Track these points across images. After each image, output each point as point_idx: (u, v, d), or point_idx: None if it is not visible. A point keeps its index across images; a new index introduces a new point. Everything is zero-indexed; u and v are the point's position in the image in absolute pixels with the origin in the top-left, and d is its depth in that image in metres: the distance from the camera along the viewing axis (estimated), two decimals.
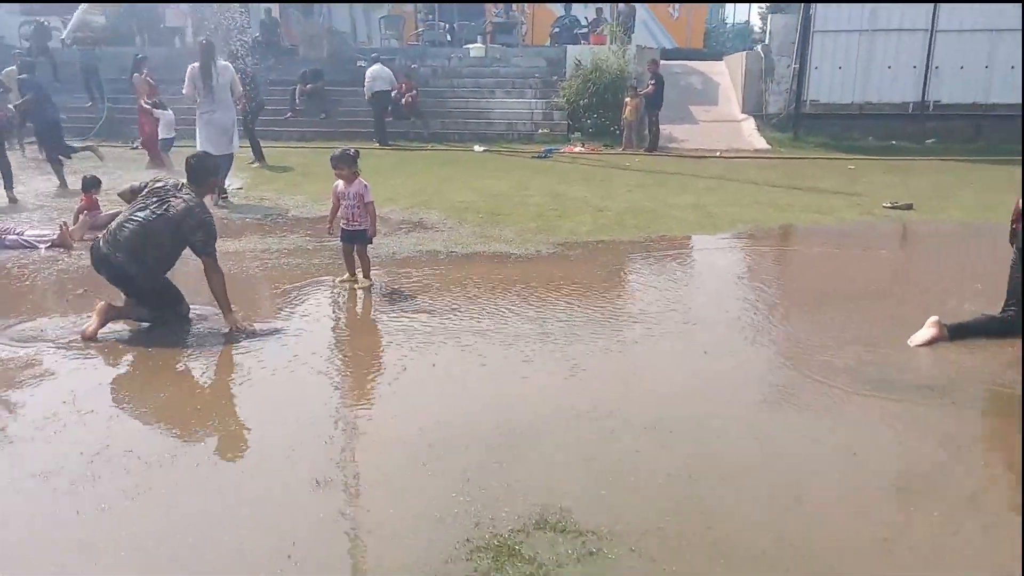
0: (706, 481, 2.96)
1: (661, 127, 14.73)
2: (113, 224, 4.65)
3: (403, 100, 15.70)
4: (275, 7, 21.03)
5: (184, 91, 8.75)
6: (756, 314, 5.09)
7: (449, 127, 15.88)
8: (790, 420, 3.58)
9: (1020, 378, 3.88)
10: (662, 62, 15.78)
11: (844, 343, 4.44)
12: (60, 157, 10.22)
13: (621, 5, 18.44)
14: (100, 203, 7.60)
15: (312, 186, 9.94)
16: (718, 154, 14.15)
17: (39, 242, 6.77)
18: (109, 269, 4.54)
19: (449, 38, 20.71)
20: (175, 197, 4.53)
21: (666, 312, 5.13)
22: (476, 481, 2.90)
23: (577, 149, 14.43)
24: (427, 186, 10.22)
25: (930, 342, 4.44)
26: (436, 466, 3.02)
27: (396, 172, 11.31)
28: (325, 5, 20.58)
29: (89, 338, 4.34)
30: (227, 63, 9.26)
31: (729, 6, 33.05)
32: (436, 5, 21.69)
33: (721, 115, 16.65)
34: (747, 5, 29.46)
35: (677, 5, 25.31)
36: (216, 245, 4.58)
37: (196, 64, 8.61)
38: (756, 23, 28.66)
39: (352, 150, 5.48)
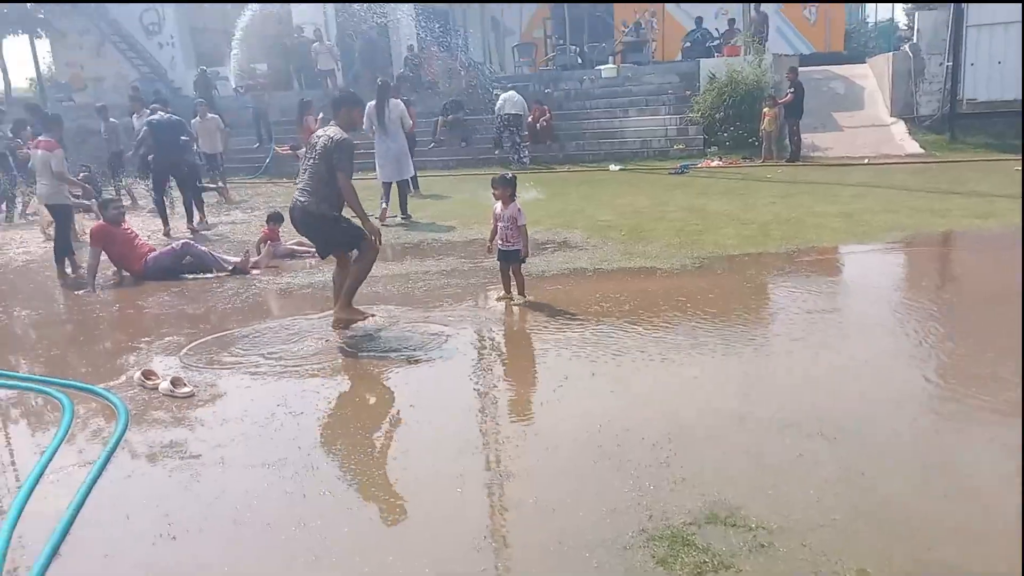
0: (876, 480, 3.02)
1: (803, 136, 14.37)
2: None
3: (538, 124, 16.20)
4: (415, 43, 22.34)
5: (364, 126, 9.46)
6: (919, 322, 5.00)
7: (584, 148, 16.21)
8: (959, 426, 3.54)
9: None
10: (801, 68, 15.39)
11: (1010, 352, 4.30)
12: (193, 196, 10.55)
13: (753, 13, 18.16)
14: (280, 234, 8.46)
15: (460, 212, 10.52)
16: (866, 161, 13.62)
17: (225, 263, 7.66)
18: (297, 215, 5.27)
19: (580, 61, 21.11)
20: (321, 137, 5.22)
21: (823, 321, 5.13)
22: (646, 478, 3.12)
23: (714, 163, 14.33)
24: (567, 206, 10.54)
25: None
26: (607, 463, 3.26)
27: (537, 194, 11.72)
28: (461, 38, 21.51)
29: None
30: (397, 100, 10.26)
31: (871, 5, 31.58)
32: (566, 29, 22.18)
33: (867, 120, 15.97)
34: (889, 4, 28.02)
35: (813, 8, 24.46)
36: (351, 163, 5.12)
37: (372, 102, 9.65)
38: (901, 21, 27.18)
39: (510, 174, 5.89)
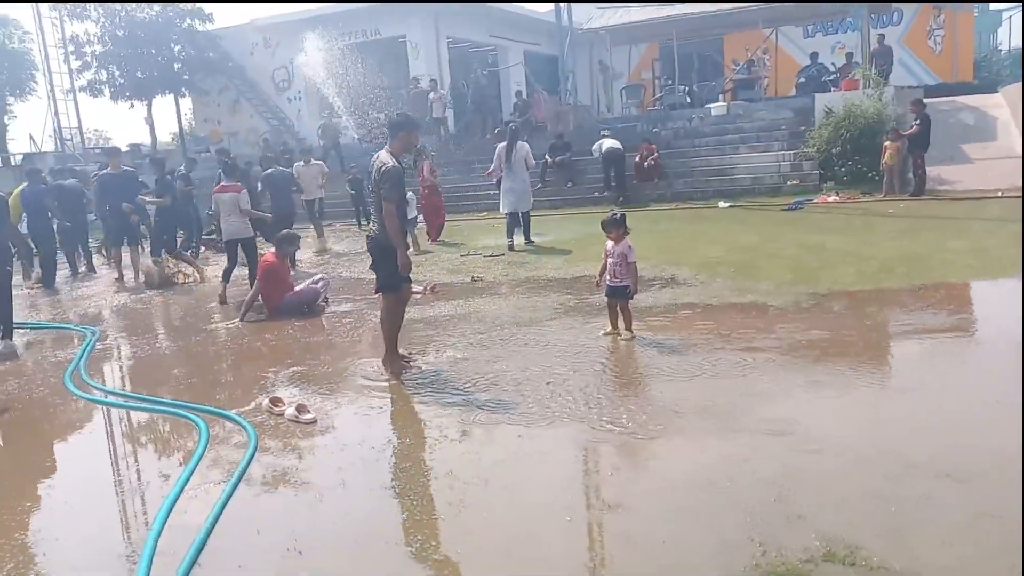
0: (1012, 526, 2.83)
1: (928, 169, 13.68)
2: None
3: (645, 163, 16.21)
4: (524, 89, 22.95)
5: (491, 168, 11.81)
6: None
7: (693, 185, 16.05)
8: None
9: None
10: (926, 99, 14.73)
11: None
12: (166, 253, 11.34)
13: (876, 45, 17.61)
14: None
15: (565, 250, 10.66)
16: (1000, 194, 12.80)
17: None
18: (371, 245, 5.43)
19: (689, 100, 21.03)
20: (375, 163, 5.30)
21: (948, 358, 4.86)
22: (759, 514, 3.05)
23: (832, 199, 13.84)
24: (674, 243, 10.47)
25: None
26: (718, 499, 3.22)
27: (644, 231, 11.68)
28: (570, 83, 21.92)
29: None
30: (523, 142, 11.69)
31: (1002, 31, 29.88)
32: (675, 69, 22.20)
33: (1000, 151, 15.03)
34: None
35: (939, 38, 23.43)
36: (397, 192, 5.15)
37: (503, 144, 11.37)
38: None
39: (618, 214, 5.96)
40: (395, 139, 5.36)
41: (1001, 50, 28.57)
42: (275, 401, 4.93)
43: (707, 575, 2.66)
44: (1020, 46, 27.43)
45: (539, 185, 17.04)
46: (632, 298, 6.06)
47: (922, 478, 3.26)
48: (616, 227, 5.87)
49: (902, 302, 6.51)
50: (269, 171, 12.39)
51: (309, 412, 4.70)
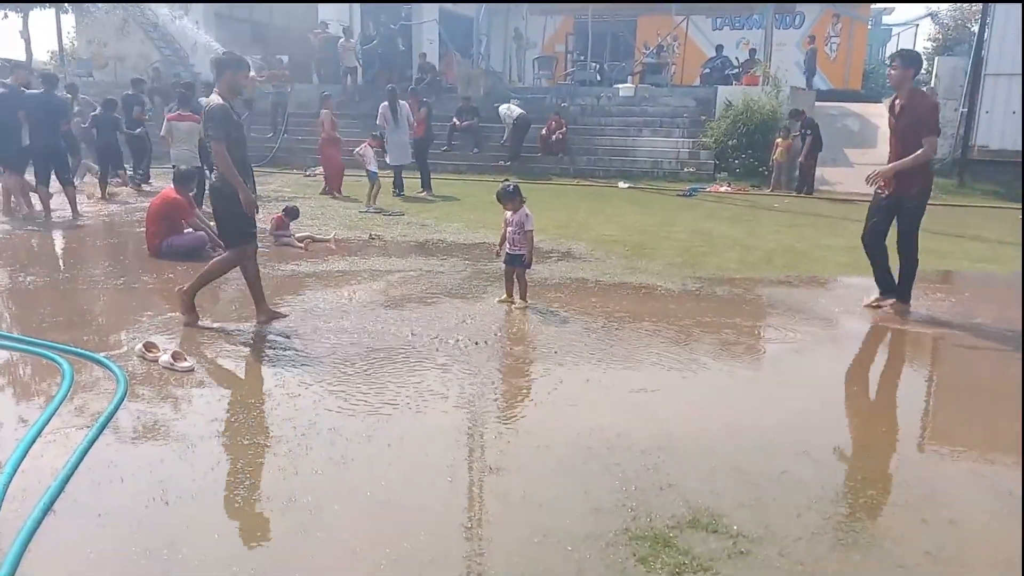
0: (864, 503, 3.07)
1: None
2: None
3: (553, 136, 16.31)
4: (428, 51, 22.47)
5: (378, 122, 12.94)
6: (900, 349, 5.06)
7: (596, 164, 16.33)
8: (942, 452, 3.61)
9: None
10: (817, 103, 15.52)
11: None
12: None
13: (808, 48, 18.57)
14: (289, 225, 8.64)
15: (466, 215, 10.62)
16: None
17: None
18: (210, 195, 5.35)
19: (599, 78, 21.27)
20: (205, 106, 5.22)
21: (812, 344, 5.19)
22: (633, 481, 3.17)
23: (723, 189, 14.43)
24: (574, 219, 10.63)
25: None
26: (594, 465, 3.32)
27: (544, 205, 11.80)
28: (483, 47, 21.70)
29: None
30: (404, 103, 13.04)
31: (890, 45, 31.79)
32: (588, 45, 22.37)
33: (879, 158, 15.93)
34: (911, 44, 28.19)
35: (835, 44, 24.67)
36: (222, 131, 4.90)
37: (386, 103, 12.67)
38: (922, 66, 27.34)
39: (511, 186, 5.96)
40: (221, 80, 5.10)
41: (887, 63, 30.39)
42: (149, 346, 4.68)
43: (580, 537, 2.74)
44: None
45: (444, 148, 16.86)
46: (529, 267, 6.11)
47: (782, 457, 3.48)
48: (510, 198, 5.90)
49: (779, 290, 6.89)
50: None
51: (186, 360, 4.50)
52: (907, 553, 2.72)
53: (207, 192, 6.58)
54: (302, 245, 8.23)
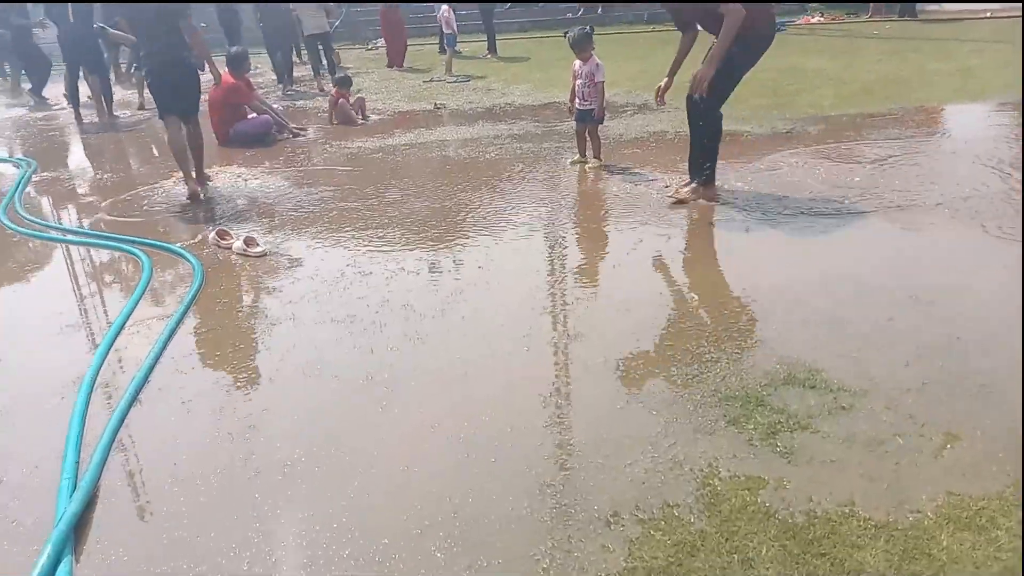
0: (973, 347, 2.78)
1: None
2: None
3: None
4: None
5: None
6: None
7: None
8: None
9: None
10: None
11: None
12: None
13: None
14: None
15: (534, 75, 10.08)
16: (988, 14, 12.21)
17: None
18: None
19: None
20: None
21: (918, 185, 4.70)
22: (720, 341, 2.96)
23: (815, 20, 13.15)
24: (650, 68, 9.94)
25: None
26: (677, 326, 3.12)
27: (616, 55, 11.07)
28: None
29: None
30: None
31: None
32: None
33: None
34: None
35: None
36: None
37: None
38: None
39: (587, 27, 5.47)
40: None
41: None
42: (222, 234, 4.68)
43: (666, 401, 2.58)
44: None
45: (508, 6, 15.97)
46: (601, 122, 5.72)
47: (885, 303, 3.17)
48: (584, 43, 5.42)
49: (880, 127, 6.25)
50: None
51: (259, 245, 4.47)
52: None
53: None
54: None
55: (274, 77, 11.56)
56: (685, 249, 4.08)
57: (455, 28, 11.35)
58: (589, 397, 2.69)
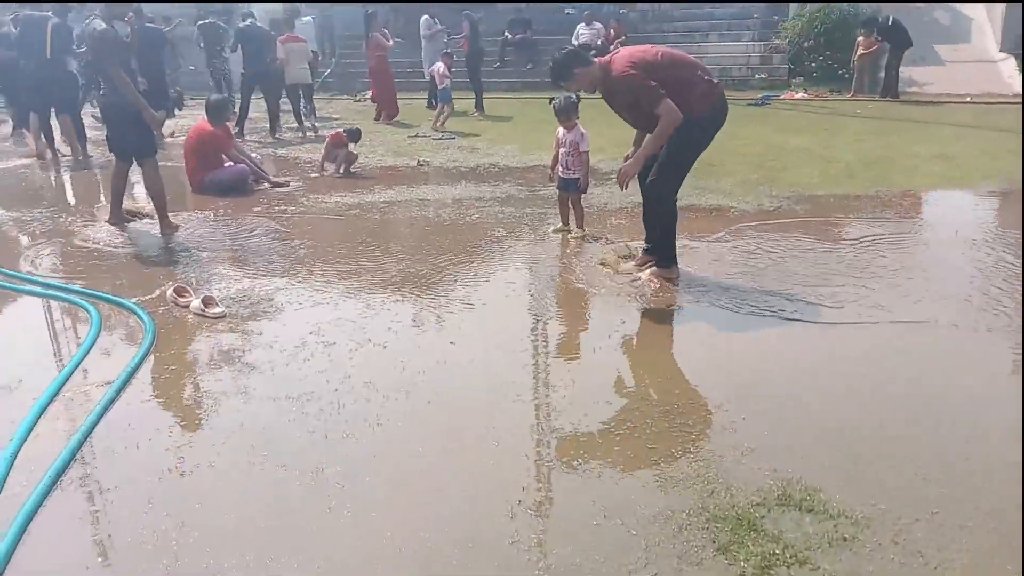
0: (986, 466, 2.56)
1: (900, 69, 13.16)
2: None
3: (611, 46, 15.30)
4: None
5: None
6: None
7: None
8: None
9: None
10: None
11: None
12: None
13: None
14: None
15: (521, 136, 10.00)
16: (968, 99, 12.45)
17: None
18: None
19: None
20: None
21: (912, 280, 4.56)
22: (707, 445, 2.72)
23: (799, 95, 13.33)
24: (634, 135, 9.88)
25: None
26: (662, 424, 2.88)
27: (601, 121, 11.04)
28: None
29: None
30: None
31: None
32: None
33: (973, 55, 14.59)
34: None
35: None
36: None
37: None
38: None
39: (573, 97, 5.35)
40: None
41: None
42: (180, 291, 4.39)
43: (646, 518, 2.32)
44: None
45: (497, 64, 16.06)
46: (584, 192, 5.56)
47: (882, 409, 2.96)
48: (570, 111, 5.30)
49: (866, 209, 6.17)
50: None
51: (217, 306, 4.19)
52: None
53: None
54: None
55: (266, 124, 11.30)
56: (670, 336, 3.88)
57: (449, 84, 11.29)
58: (562, 508, 2.43)
